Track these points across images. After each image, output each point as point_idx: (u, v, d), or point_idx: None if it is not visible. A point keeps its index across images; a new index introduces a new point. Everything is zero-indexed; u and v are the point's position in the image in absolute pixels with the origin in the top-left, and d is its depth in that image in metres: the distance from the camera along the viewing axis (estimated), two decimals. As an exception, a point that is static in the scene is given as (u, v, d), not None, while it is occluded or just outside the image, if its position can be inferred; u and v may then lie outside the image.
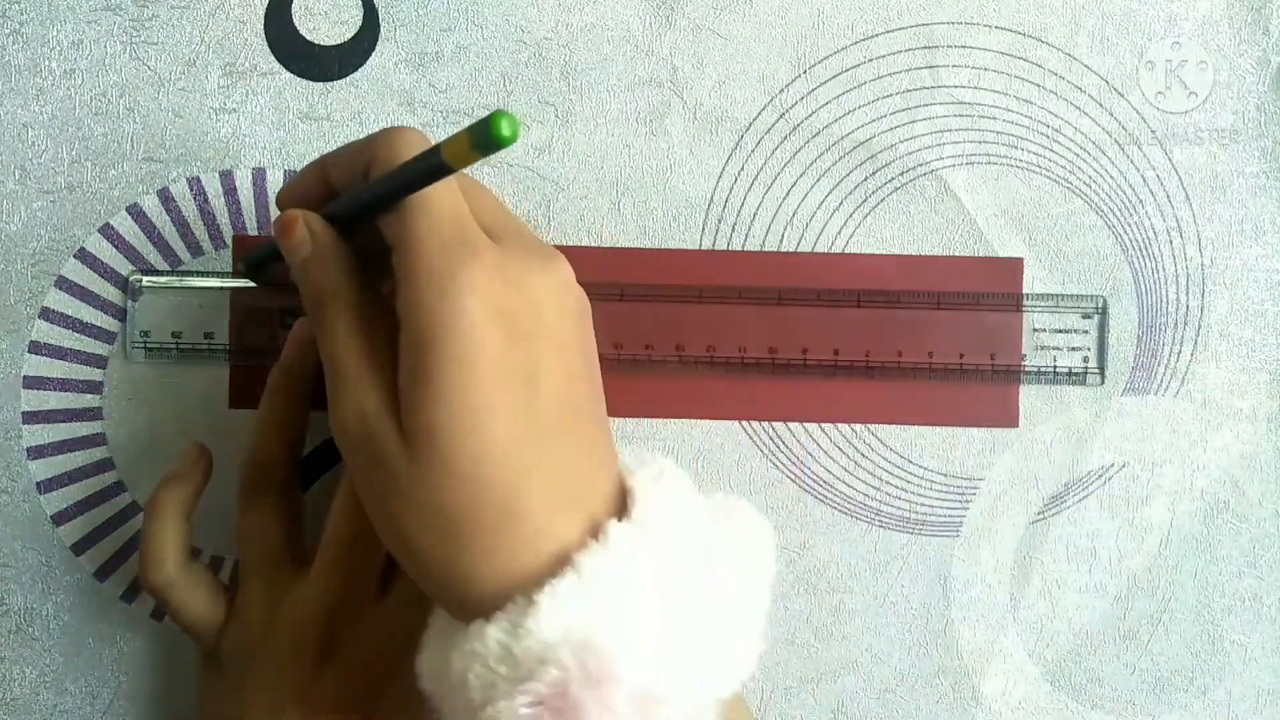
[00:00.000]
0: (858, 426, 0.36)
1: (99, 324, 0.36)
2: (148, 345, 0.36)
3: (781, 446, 0.36)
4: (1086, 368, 0.36)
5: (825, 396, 0.36)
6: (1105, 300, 0.36)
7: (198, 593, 0.32)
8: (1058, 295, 0.36)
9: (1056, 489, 0.37)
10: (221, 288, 0.36)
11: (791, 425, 0.36)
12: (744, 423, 0.36)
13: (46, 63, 0.36)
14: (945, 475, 0.36)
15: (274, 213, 0.36)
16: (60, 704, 0.36)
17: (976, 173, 0.37)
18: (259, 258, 0.33)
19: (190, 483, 0.33)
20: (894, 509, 0.36)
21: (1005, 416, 0.36)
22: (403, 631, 0.31)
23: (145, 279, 0.36)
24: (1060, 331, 0.36)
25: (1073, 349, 0.36)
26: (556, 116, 0.36)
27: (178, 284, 0.36)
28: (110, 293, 0.36)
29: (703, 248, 0.36)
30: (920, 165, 0.36)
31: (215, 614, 0.32)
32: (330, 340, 0.27)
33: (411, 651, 0.31)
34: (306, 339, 0.34)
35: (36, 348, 0.36)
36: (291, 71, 0.36)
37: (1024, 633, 0.36)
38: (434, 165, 0.24)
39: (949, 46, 0.36)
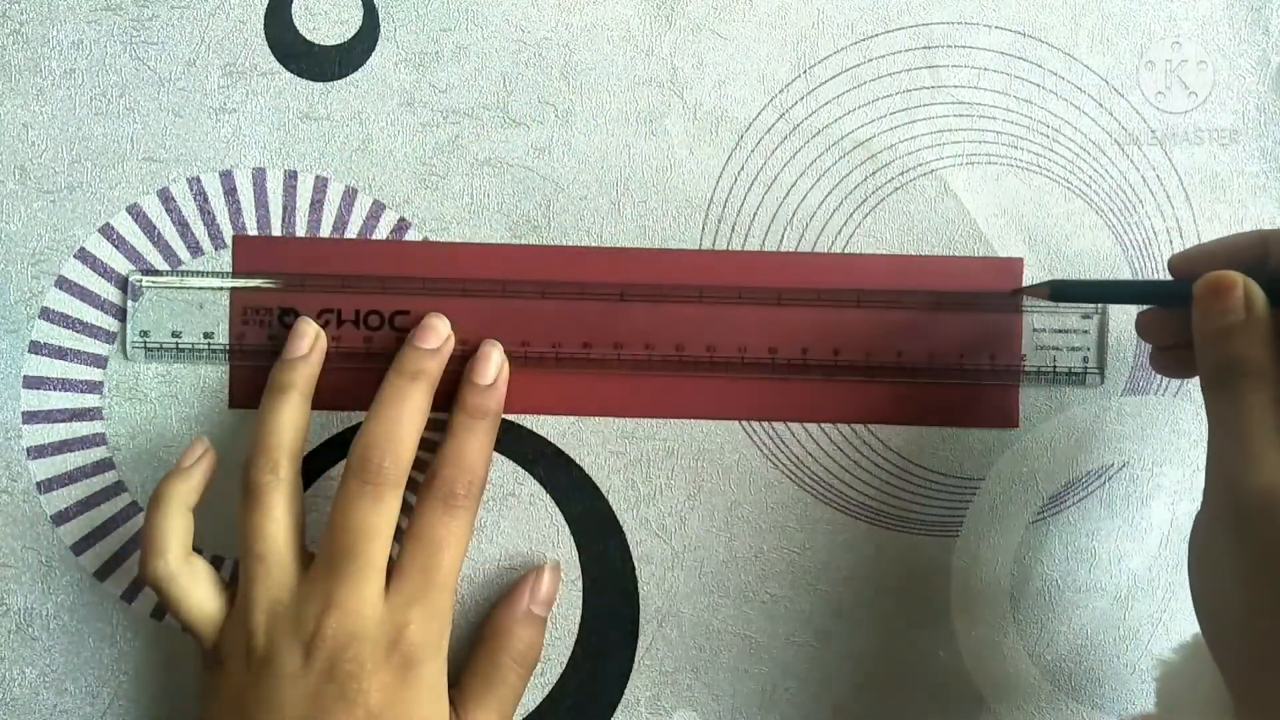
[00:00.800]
0: (858, 426, 0.36)
1: (99, 324, 0.36)
2: (147, 345, 0.36)
3: (781, 446, 0.36)
4: (1086, 368, 0.36)
5: (825, 396, 0.36)
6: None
7: (198, 586, 0.32)
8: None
9: (1056, 489, 0.37)
10: (221, 288, 0.36)
11: (791, 425, 0.36)
12: (744, 423, 0.36)
13: (46, 63, 0.36)
14: (945, 475, 0.36)
15: (274, 212, 0.36)
16: (60, 704, 0.36)
17: (976, 173, 0.37)
18: (1080, 291, 0.34)
19: (194, 476, 0.33)
20: (894, 509, 0.36)
21: (1005, 416, 0.36)
22: (403, 631, 0.31)
23: (145, 279, 0.36)
24: (1060, 331, 0.36)
25: (1073, 349, 0.36)
26: (556, 116, 0.36)
27: (178, 284, 0.36)
28: (110, 293, 0.36)
29: (703, 248, 0.36)
30: (920, 165, 0.36)
31: (215, 609, 0.32)
32: (1243, 412, 0.27)
33: (415, 649, 0.31)
34: (312, 336, 0.35)
35: (36, 348, 0.36)
36: (291, 71, 0.36)
37: (1024, 633, 0.37)
38: None
39: (949, 46, 0.36)
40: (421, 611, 0.32)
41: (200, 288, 0.36)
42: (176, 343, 0.36)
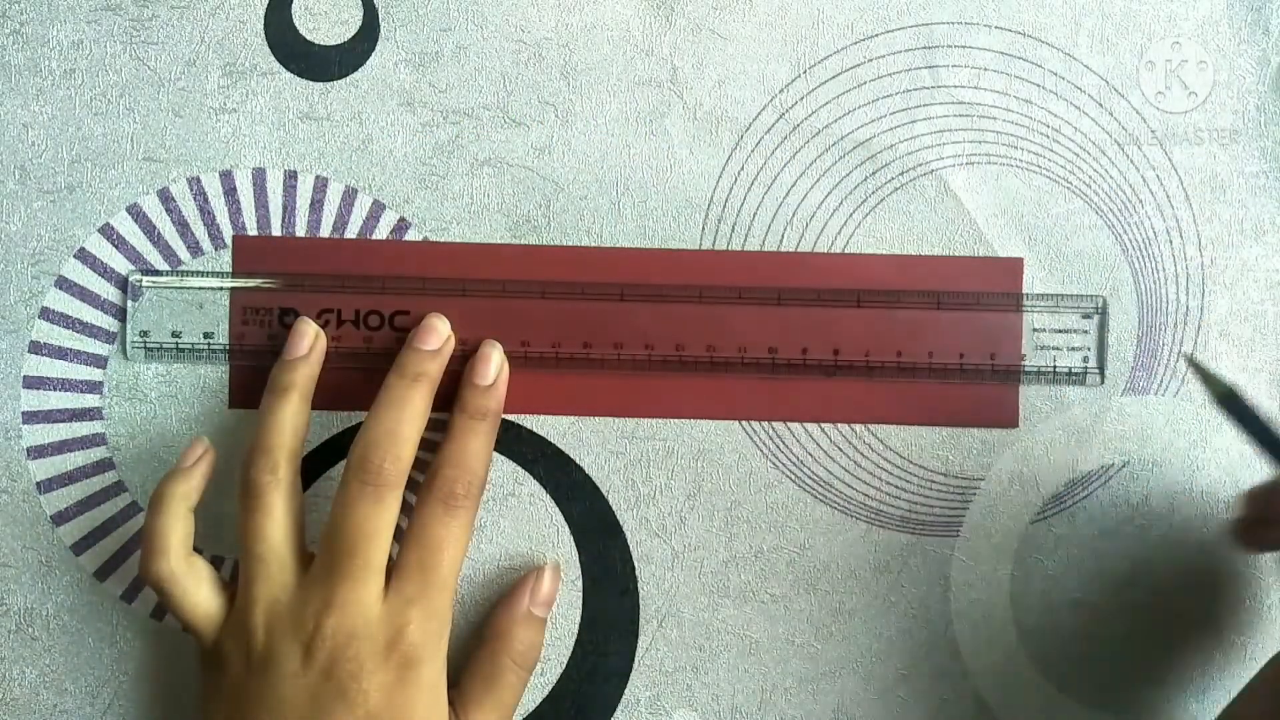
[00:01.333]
0: (858, 426, 0.36)
1: (99, 324, 0.36)
2: (147, 345, 0.36)
3: (781, 446, 0.36)
4: (1086, 368, 0.36)
5: (825, 396, 0.36)
6: (1105, 300, 0.36)
7: (200, 586, 0.32)
8: (1058, 295, 0.36)
9: (1056, 489, 0.37)
10: (221, 288, 0.36)
11: (791, 425, 0.36)
12: (744, 423, 0.36)
13: (46, 63, 0.36)
14: (945, 475, 0.36)
15: (274, 212, 0.36)
16: (60, 704, 0.36)
17: (976, 173, 0.37)
18: (1245, 419, 0.32)
19: (194, 476, 0.33)
20: (894, 509, 0.36)
21: (1005, 416, 0.36)
22: (403, 631, 0.31)
23: (145, 279, 0.36)
24: (1060, 331, 0.36)
25: (1073, 349, 0.36)
26: (556, 116, 0.36)
27: (178, 284, 0.36)
28: (110, 293, 0.36)
29: (703, 248, 0.36)
30: (920, 165, 0.36)
31: (215, 609, 0.32)
32: None
33: (414, 649, 0.31)
34: (311, 336, 0.35)
35: (36, 348, 0.36)
36: (291, 71, 0.36)
37: (1024, 633, 0.36)
38: None
39: (949, 46, 0.36)
40: (421, 611, 0.32)
41: (200, 288, 0.36)
42: (176, 343, 0.36)
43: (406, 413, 0.33)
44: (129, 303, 0.36)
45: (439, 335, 0.35)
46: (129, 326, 0.36)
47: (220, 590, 0.33)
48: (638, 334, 0.36)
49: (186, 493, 0.33)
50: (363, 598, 0.31)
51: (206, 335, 0.36)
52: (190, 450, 0.34)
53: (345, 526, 0.31)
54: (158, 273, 0.36)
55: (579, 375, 0.36)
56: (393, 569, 0.32)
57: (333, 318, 0.36)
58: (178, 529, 0.32)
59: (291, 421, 0.33)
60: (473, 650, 0.35)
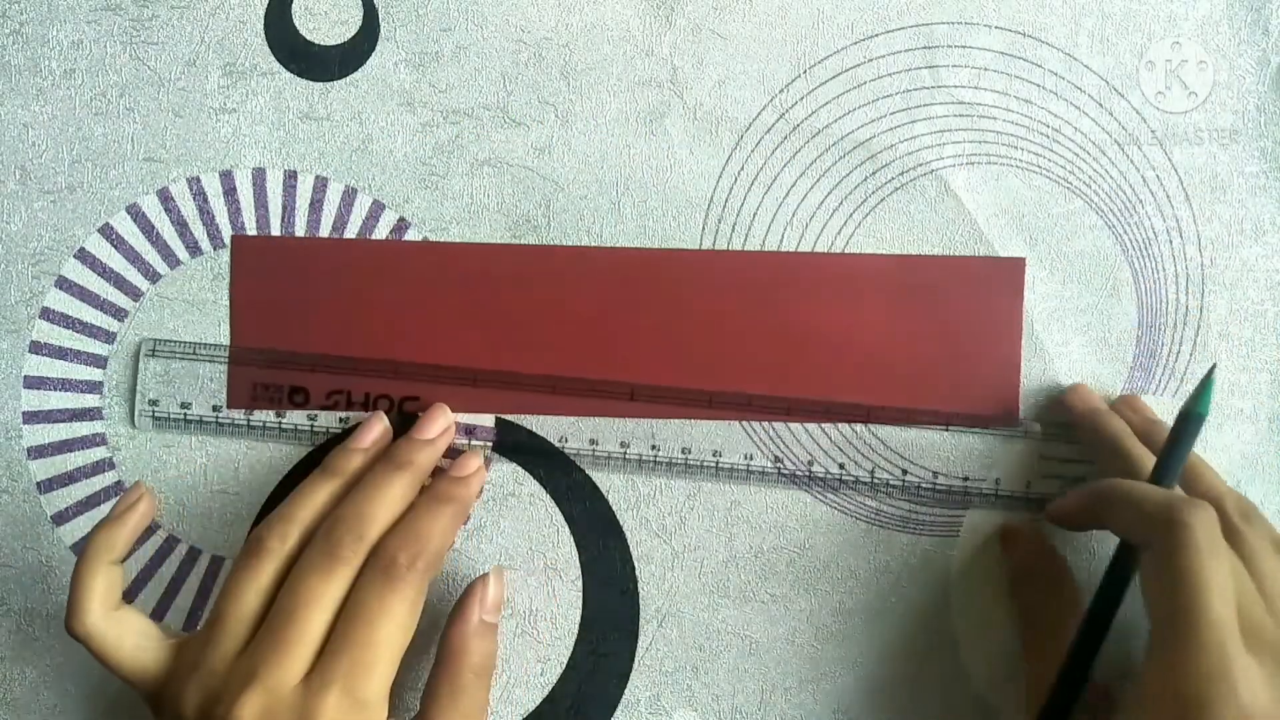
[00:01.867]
0: (858, 426, 0.36)
1: (99, 324, 0.36)
2: (155, 415, 0.36)
3: (782, 446, 0.36)
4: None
5: (826, 396, 0.36)
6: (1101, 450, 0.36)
7: (123, 639, 0.31)
8: (1065, 424, 0.36)
9: (1057, 489, 0.36)
10: (225, 361, 0.36)
11: (792, 425, 0.36)
12: (744, 423, 0.36)
13: (46, 63, 0.36)
14: (945, 475, 0.36)
15: (274, 212, 0.36)
16: (60, 704, 0.36)
17: (976, 173, 0.37)
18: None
19: (126, 524, 0.33)
20: (894, 509, 0.36)
21: (1005, 416, 0.36)
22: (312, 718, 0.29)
23: (158, 345, 0.36)
24: (1067, 461, 0.36)
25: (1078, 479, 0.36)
26: (556, 116, 0.36)
27: (189, 355, 0.36)
28: (110, 293, 0.36)
29: (703, 248, 0.36)
30: (920, 165, 0.36)
31: (148, 660, 0.31)
32: None
33: None
34: (379, 432, 0.34)
35: (36, 348, 0.36)
36: (291, 71, 0.36)
37: (1024, 633, 0.36)
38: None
39: (949, 46, 0.36)
40: (340, 698, 0.29)
41: (209, 360, 0.36)
42: (185, 414, 0.36)
43: (381, 495, 0.32)
44: (140, 371, 0.36)
45: (437, 427, 0.35)
46: (138, 394, 0.36)
47: (154, 640, 0.32)
48: (645, 432, 0.36)
49: (111, 544, 0.32)
50: (281, 677, 0.29)
51: (215, 408, 0.36)
52: (125, 497, 0.34)
53: (288, 593, 0.30)
54: (168, 343, 0.36)
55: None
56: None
57: (342, 399, 0.36)
58: (97, 586, 0.32)
59: (324, 504, 0.32)
60: (432, 673, 0.33)
